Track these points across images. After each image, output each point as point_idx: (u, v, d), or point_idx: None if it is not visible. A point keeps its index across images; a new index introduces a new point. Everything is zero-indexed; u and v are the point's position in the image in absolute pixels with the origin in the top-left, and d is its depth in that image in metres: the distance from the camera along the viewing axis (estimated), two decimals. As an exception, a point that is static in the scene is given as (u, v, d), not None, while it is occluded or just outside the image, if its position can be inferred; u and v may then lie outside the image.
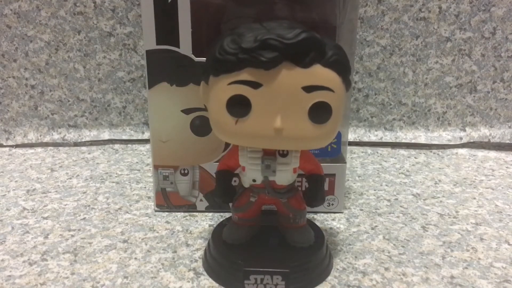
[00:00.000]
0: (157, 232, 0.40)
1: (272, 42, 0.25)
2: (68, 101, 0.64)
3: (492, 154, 0.62)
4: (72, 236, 0.39)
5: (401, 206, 0.45)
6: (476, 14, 0.60)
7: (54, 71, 0.63)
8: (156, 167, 0.42)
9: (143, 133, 0.66)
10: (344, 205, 0.44)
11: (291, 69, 0.26)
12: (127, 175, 0.53)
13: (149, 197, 0.47)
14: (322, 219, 0.42)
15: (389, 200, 0.47)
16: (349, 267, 0.34)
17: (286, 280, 0.31)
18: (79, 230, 0.40)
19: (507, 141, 0.64)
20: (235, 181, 0.37)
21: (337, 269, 0.34)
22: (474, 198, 0.47)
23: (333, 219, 0.42)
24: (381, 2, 0.60)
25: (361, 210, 0.44)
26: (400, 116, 0.65)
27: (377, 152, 0.63)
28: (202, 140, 0.40)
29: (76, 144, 0.65)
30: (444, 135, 0.65)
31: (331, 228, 0.41)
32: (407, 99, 0.64)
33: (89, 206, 0.45)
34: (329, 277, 0.33)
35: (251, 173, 0.31)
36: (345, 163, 0.42)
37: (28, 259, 0.35)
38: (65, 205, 0.45)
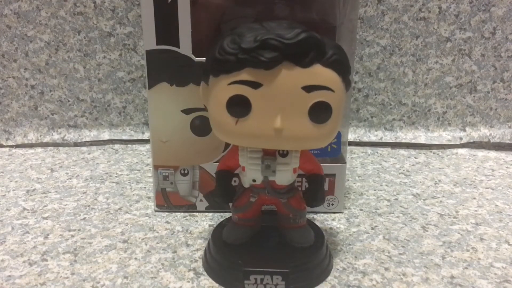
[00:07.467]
0: (157, 232, 0.40)
1: (272, 42, 0.25)
2: (68, 101, 0.64)
3: (492, 154, 0.62)
4: (72, 236, 0.39)
5: (401, 206, 0.45)
6: (476, 14, 0.60)
7: (54, 71, 0.63)
8: (156, 167, 0.42)
9: (143, 133, 0.66)
10: (344, 205, 0.44)
11: (291, 69, 0.26)
12: (127, 175, 0.53)
13: (149, 197, 0.47)
14: (322, 219, 0.42)
15: (389, 200, 0.47)
16: (349, 267, 0.34)
17: (286, 280, 0.31)
18: (79, 230, 0.40)
19: (507, 141, 0.64)
20: (235, 181, 0.37)
21: (337, 269, 0.34)
22: (474, 198, 0.47)
23: (333, 219, 0.42)
24: (381, 2, 0.59)
25: (361, 210, 0.44)
26: (400, 116, 0.65)
27: (377, 152, 0.63)
28: (202, 140, 0.40)
29: (76, 144, 0.65)
30: (444, 135, 0.65)
31: (331, 228, 0.41)
32: (407, 99, 0.64)
33: (89, 206, 0.45)
34: (329, 277, 0.33)
35: (251, 173, 0.31)
36: (345, 163, 0.42)
37: (28, 259, 0.35)
38: (65, 205, 0.45)
